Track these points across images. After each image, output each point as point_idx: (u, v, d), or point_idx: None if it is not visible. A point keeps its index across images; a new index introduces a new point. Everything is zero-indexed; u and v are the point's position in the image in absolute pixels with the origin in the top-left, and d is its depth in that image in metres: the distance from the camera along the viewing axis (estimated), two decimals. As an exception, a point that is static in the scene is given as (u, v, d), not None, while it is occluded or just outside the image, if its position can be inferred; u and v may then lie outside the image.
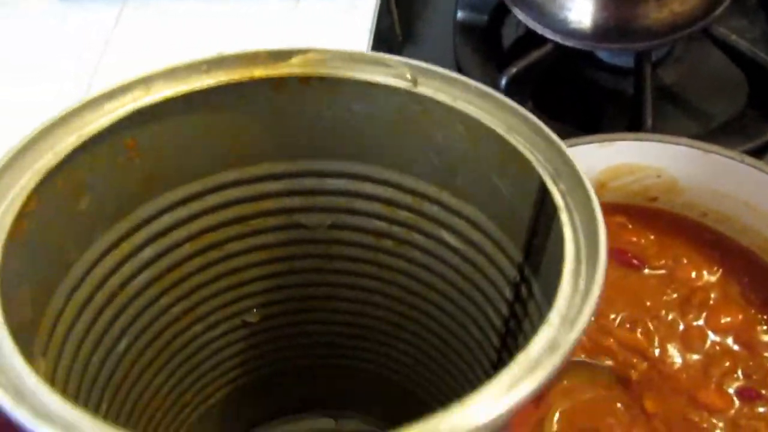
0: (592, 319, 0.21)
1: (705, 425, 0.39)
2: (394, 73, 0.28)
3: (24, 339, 0.23)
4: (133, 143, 0.28)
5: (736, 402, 0.40)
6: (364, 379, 0.41)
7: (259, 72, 0.28)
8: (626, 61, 0.59)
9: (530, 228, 0.28)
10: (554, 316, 0.22)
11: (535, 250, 0.28)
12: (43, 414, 0.18)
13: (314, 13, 0.66)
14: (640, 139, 0.41)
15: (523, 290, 0.29)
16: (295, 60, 0.28)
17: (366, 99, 0.28)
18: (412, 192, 0.31)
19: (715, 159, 0.40)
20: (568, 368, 0.41)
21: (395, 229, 0.33)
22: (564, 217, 0.24)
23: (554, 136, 0.26)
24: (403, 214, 0.32)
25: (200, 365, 0.36)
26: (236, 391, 0.40)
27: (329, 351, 0.40)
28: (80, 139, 0.25)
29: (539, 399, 0.40)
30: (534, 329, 0.26)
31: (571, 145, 0.41)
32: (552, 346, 0.21)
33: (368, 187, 0.32)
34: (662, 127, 0.55)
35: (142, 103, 0.27)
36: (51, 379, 0.26)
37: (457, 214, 0.31)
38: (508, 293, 0.30)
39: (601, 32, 0.53)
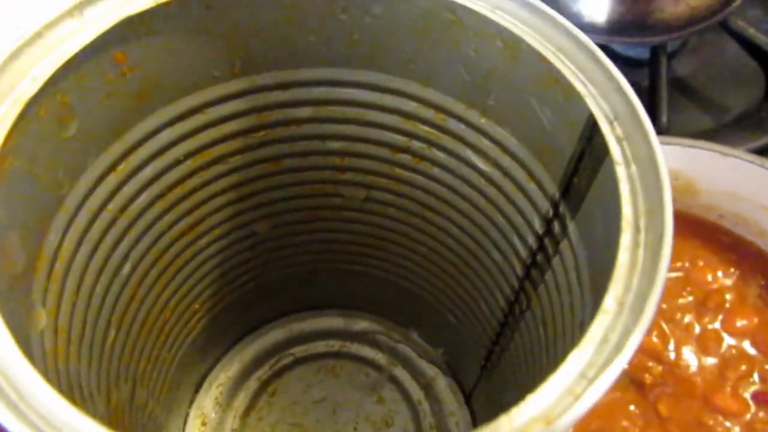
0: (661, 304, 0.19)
1: (720, 429, 0.39)
2: None
3: (20, 291, 0.21)
4: (123, 57, 0.24)
5: (752, 406, 0.40)
6: (376, 283, 0.40)
7: None
8: (641, 53, 0.58)
9: (572, 165, 0.24)
10: (610, 301, 0.19)
11: (575, 189, 0.24)
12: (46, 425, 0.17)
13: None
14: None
15: (556, 227, 0.26)
16: None
17: (388, 1, 0.25)
18: (436, 107, 0.29)
19: (733, 162, 0.39)
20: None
21: (415, 144, 0.31)
22: (621, 171, 0.21)
23: (615, 70, 0.23)
24: (424, 129, 0.30)
25: (207, 275, 0.35)
26: (245, 294, 0.39)
27: (341, 257, 0.39)
28: (61, 60, 0.22)
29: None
30: (566, 272, 0.25)
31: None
32: (606, 338, 0.18)
33: (387, 99, 0.29)
34: (677, 120, 0.54)
35: (131, 9, 0.23)
36: (54, 326, 0.24)
37: (486, 134, 0.28)
38: (537, 225, 0.28)
39: (617, 26, 0.52)
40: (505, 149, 0.28)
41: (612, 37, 0.53)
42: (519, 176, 0.28)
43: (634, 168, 0.21)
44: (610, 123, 0.22)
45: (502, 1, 0.24)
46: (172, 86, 0.27)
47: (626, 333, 0.18)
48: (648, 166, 0.21)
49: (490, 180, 0.29)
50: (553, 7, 0.54)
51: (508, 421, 0.17)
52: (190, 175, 0.30)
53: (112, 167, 0.27)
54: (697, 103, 0.59)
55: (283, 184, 0.33)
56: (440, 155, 0.30)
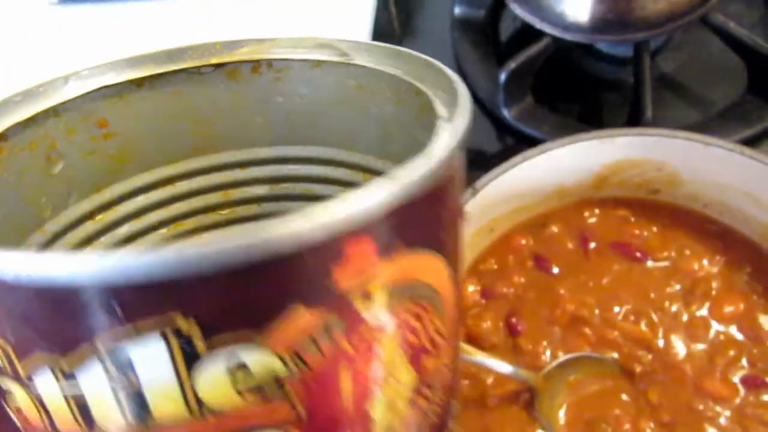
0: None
1: (710, 414, 0.40)
2: (330, 51, 0.29)
3: None
4: (104, 122, 0.29)
5: (742, 390, 0.40)
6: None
7: (215, 59, 0.30)
8: (625, 51, 0.59)
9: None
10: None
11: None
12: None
13: (312, 9, 0.66)
14: (641, 134, 0.41)
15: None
16: (245, 49, 0.30)
17: (310, 81, 0.30)
18: (362, 168, 0.32)
19: (714, 151, 0.40)
20: (575, 363, 0.42)
21: None
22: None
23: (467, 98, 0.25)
24: None
25: None
26: None
27: None
28: (50, 103, 0.27)
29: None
30: None
31: (571, 143, 0.42)
32: None
33: (327, 170, 0.33)
34: (662, 116, 0.55)
35: (108, 81, 0.28)
36: None
37: None
38: None
39: (599, 24, 0.53)
40: None
41: (595, 35, 0.54)
42: None
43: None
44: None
45: (389, 58, 0.28)
46: (147, 155, 0.31)
47: None
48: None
49: None
50: (536, 10, 0.56)
51: None
52: (164, 242, 0.33)
53: (91, 215, 0.30)
54: (682, 99, 0.60)
55: None
56: None
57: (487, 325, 0.44)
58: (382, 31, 0.67)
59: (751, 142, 0.53)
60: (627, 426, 0.40)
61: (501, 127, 0.59)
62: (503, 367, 0.40)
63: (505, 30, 0.65)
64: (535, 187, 0.44)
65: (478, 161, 0.56)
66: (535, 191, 0.45)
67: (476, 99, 0.62)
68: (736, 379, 0.40)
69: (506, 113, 0.57)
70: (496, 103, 0.58)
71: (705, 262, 0.44)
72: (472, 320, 0.45)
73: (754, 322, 0.42)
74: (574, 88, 0.61)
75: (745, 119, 0.55)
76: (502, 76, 0.57)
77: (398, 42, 0.66)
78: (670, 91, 0.60)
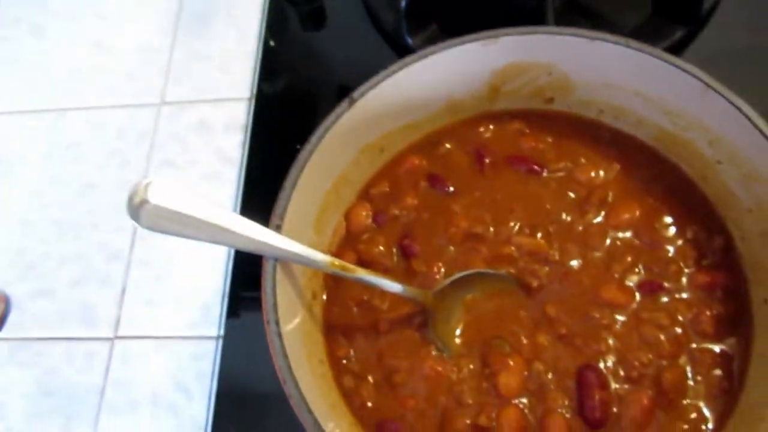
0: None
1: (606, 322, 0.38)
2: None
3: None
4: None
5: (638, 296, 0.39)
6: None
7: None
8: (528, -25, 0.57)
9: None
10: None
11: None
12: None
13: None
14: (524, 33, 0.39)
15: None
16: None
17: None
18: None
19: (601, 47, 0.38)
20: (470, 281, 0.40)
21: None
22: None
23: None
24: None
25: None
26: None
27: None
28: None
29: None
30: None
31: (453, 46, 0.39)
32: None
33: None
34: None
35: None
36: None
37: None
38: None
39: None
40: None
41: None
42: None
43: None
44: None
45: None
46: None
47: None
48: None
49: None
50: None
51: None
52: None
53: None
54: (590, 22, 0.58)
55: None
56: None
57: (379, 249, 0.42)
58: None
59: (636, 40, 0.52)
60: (525, 341, 0.38)
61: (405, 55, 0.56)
62: (390, 285, 0.38)
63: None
64: (423, 100, 0.42)
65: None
66: (424, 105, 0.42)
67: (379, 28, 0.59)
68: (632, 284, 0.39)
69: (409, 41, 0.55)
70: (400, 32, 0.56)
71: (601, 171, 0.42)
72: (364, 245, 0.42)
73: (651, 227, 0.40)
74: (480, 17, 0.59)
75: (653, 37, 0.54)
76: (403, 3, 0.55)
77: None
78: (578, 15, 0.58)
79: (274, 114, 0.58)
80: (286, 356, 0.32)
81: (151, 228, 0.31)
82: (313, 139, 0.37)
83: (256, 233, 0.33)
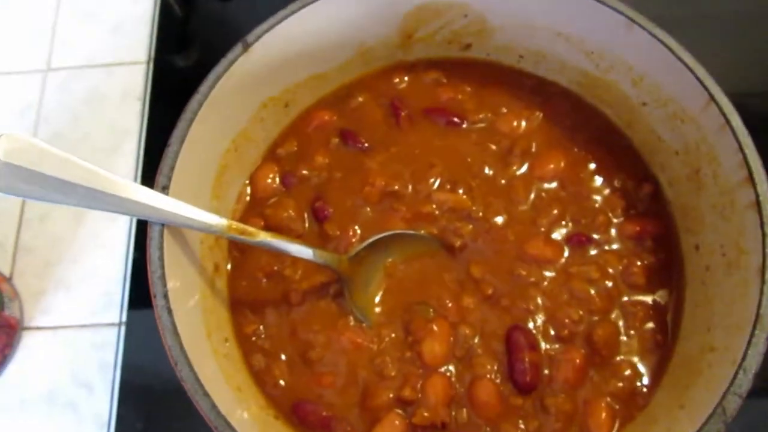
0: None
1: (534, 279, 0.35)
2: None
3: None
4: None
5: (566, 250, 0.36)
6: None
7: None
8: None
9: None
10: None
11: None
12: None
13: None
14: (435, -32, 0.35)
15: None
16: None
17: None
18: None
19: (517, -19, 0.35)
20: (389, 244, 0.36)
21: None
22: None
23: None
24: None
25: None
26: None
27: None
28: None
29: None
30: None
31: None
32: None
33: None
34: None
35: None
36: None
37: None
38: None
39: None
40: None
41: None
42: None
43: None
44: None
45: None
46: None
47: None
48: None
49: None
50: None
51: None
52: None
53: None
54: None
55: None
56: None
57: (288, 213, 0.38)
58: None
59: None
60: (449, 305, 0.36)
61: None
62: (299, 250, 0.34)
63: None
64: (331, 47, 0.38)
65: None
66: (332, 53, 0.38)
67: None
68: (560, 238, 0.36)
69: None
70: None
71: (523, 122, 0.39)
72: (271, 210, 0.38)
73: (576, 177, 0.38)
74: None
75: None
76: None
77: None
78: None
79: (174, 82, 0.53)
80: (176, 334, 0.28)
81: (6, 191, 0.26)
82: (203, 88, 0.32)
83: (134, 194, 0.28)
